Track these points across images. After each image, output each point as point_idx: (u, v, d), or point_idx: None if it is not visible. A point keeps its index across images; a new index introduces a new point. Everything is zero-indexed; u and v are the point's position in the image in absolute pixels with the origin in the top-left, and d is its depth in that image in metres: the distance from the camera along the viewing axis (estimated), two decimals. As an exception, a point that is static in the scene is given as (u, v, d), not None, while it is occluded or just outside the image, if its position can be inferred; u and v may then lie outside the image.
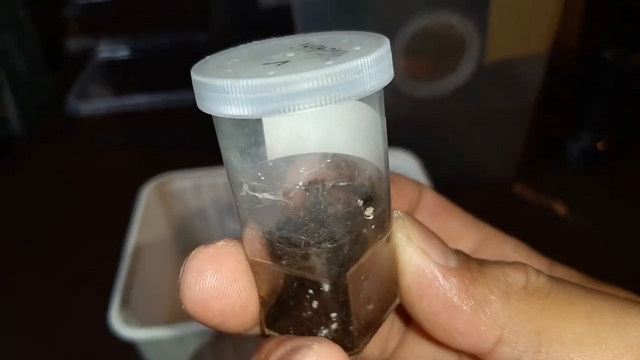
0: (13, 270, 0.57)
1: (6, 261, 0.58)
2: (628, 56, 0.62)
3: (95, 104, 0.71)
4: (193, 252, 0.16)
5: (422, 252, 0.16)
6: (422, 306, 0.16)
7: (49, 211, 0.66)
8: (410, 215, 0.17)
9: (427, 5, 0.53)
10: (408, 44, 0.54)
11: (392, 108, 0.57)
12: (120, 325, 0.39)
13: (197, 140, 0.75)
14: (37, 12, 1.17)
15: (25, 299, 0.54)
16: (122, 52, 0.69)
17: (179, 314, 0.50)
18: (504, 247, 0.21)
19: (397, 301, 0.17)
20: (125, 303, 0.41)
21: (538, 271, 0.17)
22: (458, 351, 0.18)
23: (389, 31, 0.53)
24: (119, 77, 0.73)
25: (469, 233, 0.21)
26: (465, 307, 0.15)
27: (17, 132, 1.27)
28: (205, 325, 0.16)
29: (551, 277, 0.17)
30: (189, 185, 0.54)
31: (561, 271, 0.21)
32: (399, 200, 0.21)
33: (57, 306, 0.53)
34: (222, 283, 0.16)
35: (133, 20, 0.69)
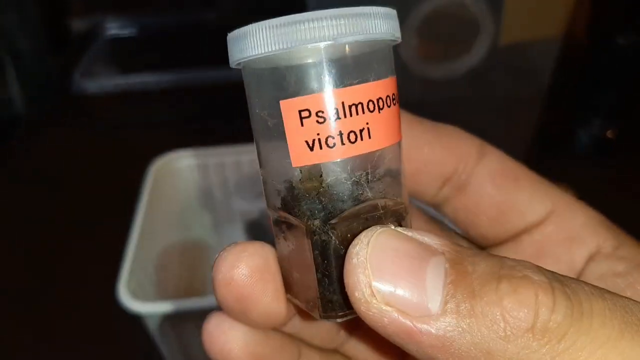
0: (24, 250, 0.57)
1: (16, 243, 0.58)
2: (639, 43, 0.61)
3: (102, 82, 0.70)
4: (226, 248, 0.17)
5: (392, 309, 0.13)
6: (407, 349, 0.13)
7: (55, 191, 0.65)
8: (376, 234, 0.14)
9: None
10: (421, 24, 0.53)
11: (402, 89, 0.56)
12: (128, 299, 0.38)
13: (204, 119, 0.75)
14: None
15: (35, 277, 0.53)
16: (129, 30, 0.69)
17: (185, 290, 0.50)
18: (572, 220, 0.19)
19: None
20: (133, 277, 0.40)
21: (557, 304, 0.13)
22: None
23: (402, 10, 0.53)
24: (125, 55, 0.72)
25: (537, 204, 0.19)
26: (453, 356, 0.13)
27: (20, 112, 1.26)
28: (228, 308, 0.17)
29: (575, 309, 0.13)
30: (195, 164, 0.54)
31: (629, 251, 0.19)
32: (449, 158, 0.19)
33: (68, 284, 0.52)
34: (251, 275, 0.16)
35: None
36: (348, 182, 0.15)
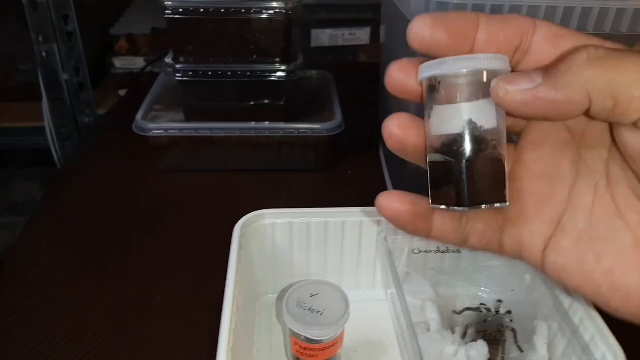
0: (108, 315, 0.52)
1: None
2: None
3: (164, 125, 0.67)
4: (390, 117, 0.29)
5: (517, 89, 0.24)
6: (538, 112, 0.24)
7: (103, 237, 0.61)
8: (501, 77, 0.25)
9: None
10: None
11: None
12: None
13: (267, 170, 0.72)
14: (87, 25, 1.15)
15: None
16: (193, 75, 0.66)
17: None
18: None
19: (505, 204, 0.26)
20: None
21: (597, 46, 0.23)
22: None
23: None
24: (187, 100, 0.70)
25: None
26: (558, 93, 0.23)
27: (52, 142, 1.23)
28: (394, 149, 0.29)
29: (608, 48, 0.23)
30: (280, 223, 0.50)
31: None
32: (512, 34, 0.26)
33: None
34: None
35: (209, 42, 0.66)
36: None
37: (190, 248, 0.59)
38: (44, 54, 1.12)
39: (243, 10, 0.61)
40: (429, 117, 0.27)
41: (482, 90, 0.25)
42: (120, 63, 1.24)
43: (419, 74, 0.26)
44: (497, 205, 0.26)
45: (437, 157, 0.27)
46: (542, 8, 0.46)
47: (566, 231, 0.27)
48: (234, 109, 0.69)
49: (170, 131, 0.66)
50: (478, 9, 0.45)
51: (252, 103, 0.69)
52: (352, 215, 0.50)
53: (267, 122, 0.68)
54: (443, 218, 0.29)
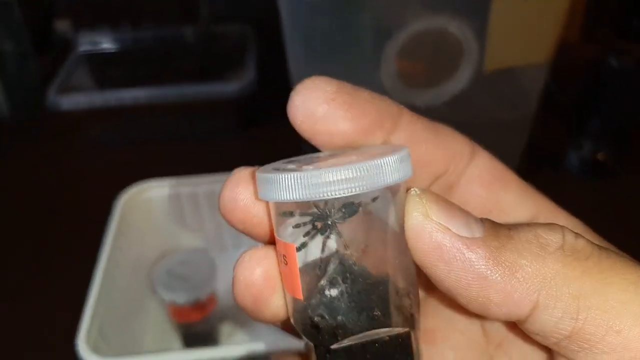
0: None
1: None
2: (634, 65, 0.59)
3: (77, 98, 0.68)
4: (230, 177, 0.17)
5: (442, 227, 0.15)
6: (452, 282, 0.15)
7: (20, 210, 0.63)
8: (426, 190, 0.16)
9: (425, 8, 0.50)
10: (403, 47, 0.51)
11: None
12: (89, 354, 0.36)
13: (181, 136, 0.73)
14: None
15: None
16: (105, 45, 0.66)
17: (153, 339, 0.48)
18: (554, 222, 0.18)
19: None
20: (95, 328, 0.38)
21: (577, 234, 0.15)
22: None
23: (384, 32, 0.50)
24: (101, 71, 0.70)
25: (522, 206, 0.20)
26: (495, 276, 0.14)
27: (4, 113, 1.24)
28: (235, 228, 0.18)
29: (592, 242, 0.15)
30: (167, 194, 0.51)
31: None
32: (443, 158, 0.19)
33: (25, 324, 0.51)
34: (247, 200, 0.17)
35: (116, 11, 0.66)
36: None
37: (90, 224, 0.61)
38: (-18, 25, 1.12)
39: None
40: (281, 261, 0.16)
41: (372, 215, 0.16)
42: (64, 27, 1.23)
43: (261, 189, 0.16)
44: None
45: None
46: None
47: None
48: (144, 75, 0.69)
49: (80, 104, 0.67)
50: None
51: (161, 68, 0.69)
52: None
53: (176, 86, 0.68)
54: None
